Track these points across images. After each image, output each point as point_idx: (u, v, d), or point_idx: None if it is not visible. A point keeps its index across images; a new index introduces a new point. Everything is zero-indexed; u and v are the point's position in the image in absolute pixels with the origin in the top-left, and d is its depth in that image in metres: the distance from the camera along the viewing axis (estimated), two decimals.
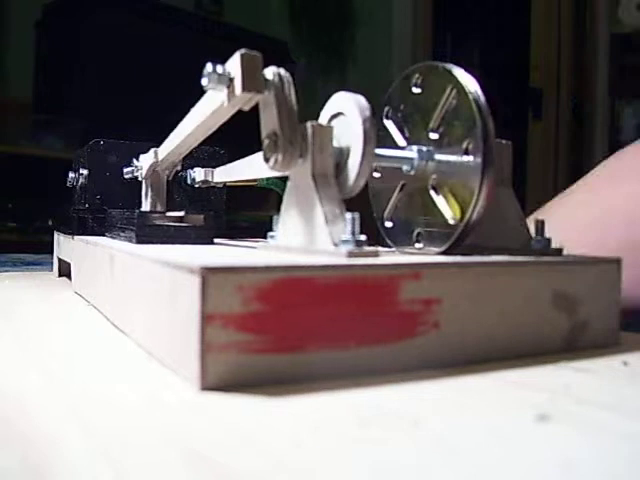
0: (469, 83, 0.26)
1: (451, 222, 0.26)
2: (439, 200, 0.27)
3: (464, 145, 0.26)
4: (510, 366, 0.23)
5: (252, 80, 0.24)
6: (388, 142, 0.30)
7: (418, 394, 0.19)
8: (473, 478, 0.14)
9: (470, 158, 0.26)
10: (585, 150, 1.85)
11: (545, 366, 0.23)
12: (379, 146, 0.27)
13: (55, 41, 1.70)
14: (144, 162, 0.39)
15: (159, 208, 0.39)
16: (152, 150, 0.37)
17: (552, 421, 0.17)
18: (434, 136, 0.28)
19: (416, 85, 0.29)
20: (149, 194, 0.39)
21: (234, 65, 0.24)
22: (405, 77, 0.29)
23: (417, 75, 0.29)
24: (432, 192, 0.28)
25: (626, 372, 0.23)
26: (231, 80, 0.24)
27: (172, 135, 0.33)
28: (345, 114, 0.27)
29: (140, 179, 0.39)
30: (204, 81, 0.24)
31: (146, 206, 0.39)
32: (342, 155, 0.26)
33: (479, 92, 0.26)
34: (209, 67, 0.24)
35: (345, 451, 0.15)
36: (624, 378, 0.22)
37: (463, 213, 0.26)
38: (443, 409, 0.18)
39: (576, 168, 1.85)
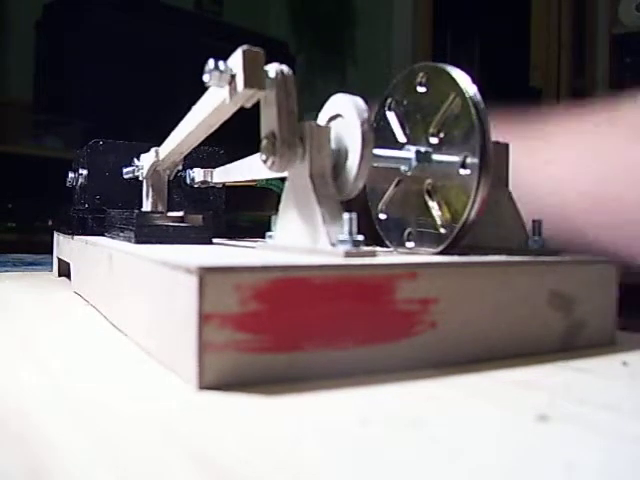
0: (468, 86, 0.26)
1: (447, 223, 0.27)
2: (436, 201, 0.27)
3: (462, 147, 0.26)
4: (508, 366, 0.23)
5: (254, 76, 0.24)
6: (387, 135, 0.30)
7: (417, 394, 0.19)
8: (473, 478, 0.14)
9: (468, 160, 0.26)
10: None
11: (544, 366, 0.23)
12: (377, 146, 0.27)
13: (55, 41, 1.70)
14: (145, 161, 0.39)
15: (160, 208, 0.38)
16: (153, 149, 0.37)
17: (552, 421, 0.17)
18: (433, 137, 0.28)
19: (420, 84, 0.29)
20: (150, 194, 0.39)
21: (236, 61, 0.24)
22: (410, 73, 0.29)
23: (421, 74, 0.29)
24: (429, 192, 0.28)
25: (625, 372, 0.23)
26: (233, 77, 0.24)
27: (173, 133, 0.33)
28: (343, 116, 0.27)
29: (141, 179, 0.39)
30: (206, 77, 0.24)
31: (147, 206, 0.39)
32: (340, 157, 0.26)
33: (478, 96, 0.26)
34: (211, 63, 0.24)
35: (346, 450, 0.15)
36: (624, 378, 0.22)
37: (460, 213, 0.26)
38: (442, 409, 0.18)
39: None
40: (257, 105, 0.26)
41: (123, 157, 0.43)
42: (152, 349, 0.24)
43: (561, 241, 0.29)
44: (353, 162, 0.26)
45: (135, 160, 0.40)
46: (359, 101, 0.26)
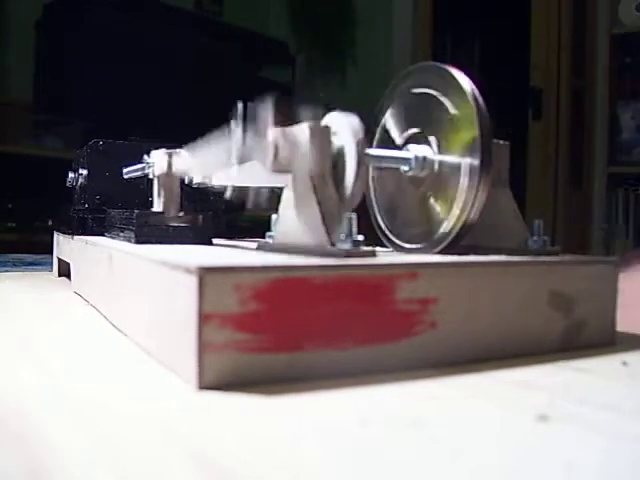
0: (467, 84, 0.26)
1: (448, 222, 0.27)
2: (436, 200, 0.27)
3: (462, 146, 0.26)
4: (508, 365, 0.23)
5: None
6: (385, 140, 0.30)
7: (417, 393, 0.19)
8: (473, 478, 0.14)
9: (468, 159, 0.26)
10: (585, 150, 1.85)
11: (544, 365, 0.23)
12: (378, 146, 0.27)
13: (55, 41, 1.70)
14: (157, 162, 0.37)
15: (172, 210, 0.37)
16: (166, 155, 0.36)
17: (552, 421, 0.17)
18: (432, 136, 0.28)
19: (415, 85, 0.29)
20: (162, 194, 0.37)
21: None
22: (404, 76, 0.29)
23: (416, 75, 0.29)
24: (429, 192, 0.28)
25: (625, 372, 0.23)
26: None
27: (200, 155, 0.33)
28: (339, 135, 0.27)
29: (150, 177, 0.37)
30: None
31: (158, 206, 0.37)
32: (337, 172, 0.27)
33: (477, 93, 0.26)
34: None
35: (346, 450, 0.15)
36: (624, 378, 0.22)
37: (460, 213, 0.26)
38: (442, 409, 0.18)
39: (576, 168, 1.85)
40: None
41: (123, 157, 0.43)
42: (152, 349, 0.24)
43: None
44: (348, 181, 0.26)
45: (145, 157, 0.38)
46: (354, 120, 0.26)
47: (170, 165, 0.36)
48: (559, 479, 0.13)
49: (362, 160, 0.25)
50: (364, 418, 0.17)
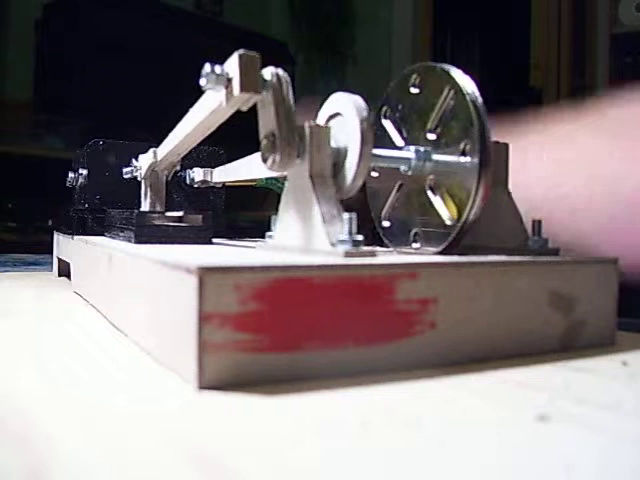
0: (466, 84, 0.26)
1: (448, 222, 0.27)
2: (436, 200, 0.27)
3: (461, 146, 0.26)
4: (508, 366, 0.23)
5: (250, 80, 0.24)
6: (386, 142, 0.30)
7: (417, 393, 0.19)
8: (473, 478, 0.14)
9: (467, 159, 0.26)
10: None
11: (544, 366, 0.23)
12: (377, 146, 0.27)
13: (55, 41, 1.70)
14: (143, 162, 0.39)
15: (158, 208, 0.39)
16: (151, 150, 0.37)
17: (552, 421, 0.17)
18: (432, 136, 0.28)
19: (414, 85, 0.29)
20: (148, 194, 0.39)
21: (232, 65, 0.24)
22: (403, 77, 0.29)
23: (415, 75, 0.29)
24: (429, 192, 0.28)
25: (625, 372, 0.23)
26: (229, 80, 0.24)
27: (171, 135, 0.33)
28: (343, 115, 0.27)
29: (139, 179, 0.40)
30: (202, 81, 0.24)
31: (145, 206, 0.39)
32: (340, 155, 0.26)
33: (476, 93, 0.26)
34: (207, 67, 0.24)
35: (346, 450, 0.15)
36: (624, 378, 0.22)
37: (460, 213, 0.26)
38: (443, 409, 0.18)
39: None
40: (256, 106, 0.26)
41: (123, 157, 0.43)
42: (152, 349, 0.24)
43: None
44: (352, 161, 0.26)
45: (133, 161, 0.40)
46: (358, 99, 0.26)
47: (154, 164, 0.37)
48: (559, 479, 0.13)
49: (367, 139, 0.25)
50: (364, 418, 0.17)
